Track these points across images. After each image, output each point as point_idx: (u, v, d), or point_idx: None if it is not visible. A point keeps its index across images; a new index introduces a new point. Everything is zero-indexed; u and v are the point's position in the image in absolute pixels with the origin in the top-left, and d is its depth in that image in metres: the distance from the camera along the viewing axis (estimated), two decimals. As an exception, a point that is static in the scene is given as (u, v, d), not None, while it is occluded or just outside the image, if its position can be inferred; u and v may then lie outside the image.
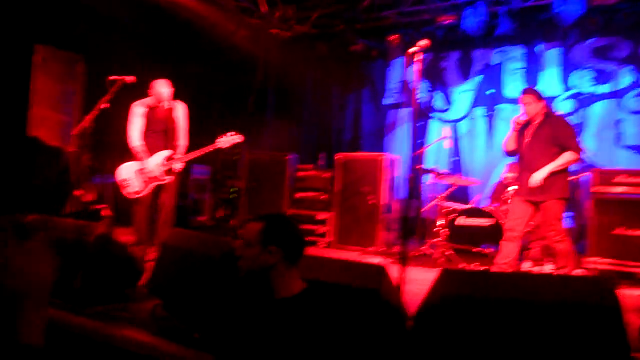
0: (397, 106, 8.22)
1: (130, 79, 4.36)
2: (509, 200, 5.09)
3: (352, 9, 7.53)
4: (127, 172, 4.60)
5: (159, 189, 4.60)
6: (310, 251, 1.97)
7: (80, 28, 6.25)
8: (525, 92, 4.25)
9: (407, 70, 7.90)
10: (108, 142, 6.28)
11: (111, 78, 4.34)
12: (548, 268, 4.87)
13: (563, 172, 3.99)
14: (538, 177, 3.95)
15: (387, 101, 8.30)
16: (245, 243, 1.85)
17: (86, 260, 2.97)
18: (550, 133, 4.02)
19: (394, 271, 2.37)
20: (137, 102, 4.68)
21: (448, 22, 7.07)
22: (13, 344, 0.88)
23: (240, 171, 7.40)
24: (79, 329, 2.50)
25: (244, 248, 1.84)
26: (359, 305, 1.96)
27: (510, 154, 4.39)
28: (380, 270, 2.10)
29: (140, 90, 4.71)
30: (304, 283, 1.77)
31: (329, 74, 8.64)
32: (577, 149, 3.98)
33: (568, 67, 6.91)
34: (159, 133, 4.64)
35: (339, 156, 6.58)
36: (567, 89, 6.91)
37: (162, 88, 4.64)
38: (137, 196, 4.55)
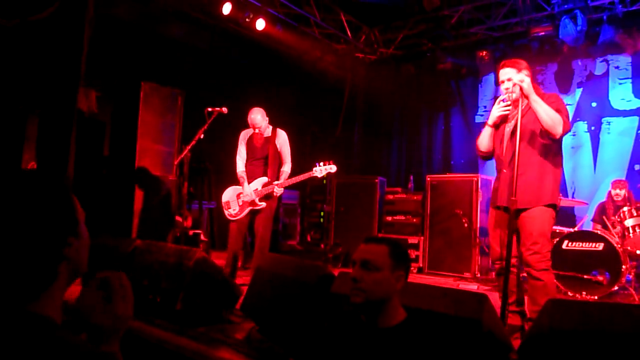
0: (489, 124, 7.89)
1: (225, 109, 4.59)
2: (626, 221, 4.65)
3: (438, 28, 7.43)
4: (228, 196, 4.81)
5: (254, 215, 4.73)
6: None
7: (180, 64, 6.73)
8: (504, 64, 3.20)
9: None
10: (204, 170, 6.65)
11: (208, 109, 4.60)
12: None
13: (553, 174, 3.07)
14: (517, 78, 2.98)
15: (479, 119, 8.01)
16: (368, 267, 1.65)
17: (186, 283, 3.11)
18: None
19: (494, 299, 2.22)
20: (243, 131, 4.88)
21: (543, 33, 6.75)
22: None
23: (329, 195, 7.46)
24: (182, 350, 2.60)
25: (367, 273, 1.64)
26: (460, 335, 1.85)
27: (485, 156, 3.43)
28: (481, 299, 1.97)
29: (235, 120, 4.93)
30: (404, 311, 1.69)
31: (416, 94, 8.54)
32: (567, 123, 2.97)
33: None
34: (259, 160, 4.78)
35: (430, 178, 6.41)
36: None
37: (256, 115, 4.80)
38: (234, 218, 4.72)
